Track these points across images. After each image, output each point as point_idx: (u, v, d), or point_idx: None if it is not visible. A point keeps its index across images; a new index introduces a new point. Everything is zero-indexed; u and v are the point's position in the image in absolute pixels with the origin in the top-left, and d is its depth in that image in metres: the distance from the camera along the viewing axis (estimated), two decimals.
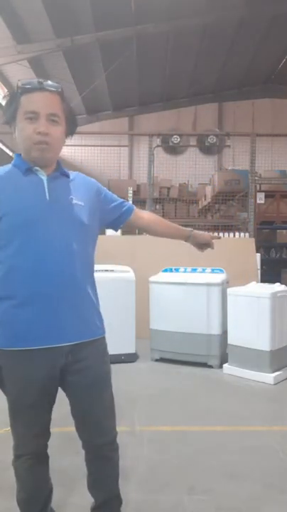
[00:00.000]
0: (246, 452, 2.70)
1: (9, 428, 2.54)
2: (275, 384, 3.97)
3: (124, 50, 11.41)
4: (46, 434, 1.63)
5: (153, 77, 13.71)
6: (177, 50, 12.14)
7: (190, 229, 1.97)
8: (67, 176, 1.65)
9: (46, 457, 1.66)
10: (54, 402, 1.62)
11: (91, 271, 1.66)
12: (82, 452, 1.69)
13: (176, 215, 10.99)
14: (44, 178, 1.56)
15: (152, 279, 4.82)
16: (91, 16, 9.88)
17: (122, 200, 1.83)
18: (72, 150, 13.04)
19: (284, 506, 2.17)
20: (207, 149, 9.42)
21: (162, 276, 4.83)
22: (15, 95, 1.53)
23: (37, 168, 1.56)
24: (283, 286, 4.36)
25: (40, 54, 10.89)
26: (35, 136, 1.50)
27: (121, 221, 1.80)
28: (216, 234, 6.27)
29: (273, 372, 4.03)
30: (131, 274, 4.70)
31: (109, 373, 1.68)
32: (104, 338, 1.67)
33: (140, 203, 8.70)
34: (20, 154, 1.61)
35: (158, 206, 10.17)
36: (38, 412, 1.58)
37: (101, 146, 9.75)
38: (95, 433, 1.63)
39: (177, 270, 4.91)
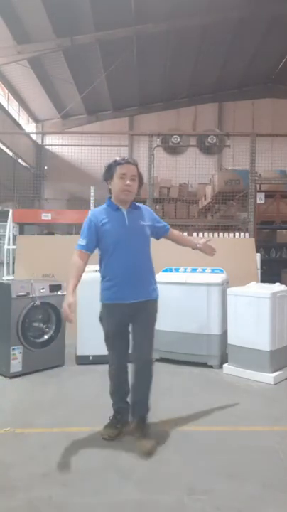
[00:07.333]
0: (246, 452, 2.70)
1: (9, 428, 2.64)
2: (275, 384, 3.97)
3: (124, 50, 11.42)
4: (124, 355, 2.86)
5: (153, 77, 13.71)
6: (177, 50, 12.15)
7: (195, 243, 3.28)
8: (137, 208, 2.90)
9: (125, 368, 2.86)
10: (128, 336, 2.86)
11: (152, 262, 2.92)
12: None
13: (176, 215, 10.93)
14: (124, 211, 2.83)
15: None
16: (91, 16, 9.89)
17: (165, 223, 3.08)
18: (72, 150, 12.98)
19: (284, 506, 2.17)
20: (207, 149, 9.39)
21: (162, 276, 4.81)
22: (113, 165, 2.77)
23: (121, 206, 2.83)
24: (283, 286, 4.36)
25: (40, 54, 10.90)
26: (125, 187, 2.76)
27: (160, 235, 3.08)
28: (211, 236, 6.29)
29: (273, 372, 4.03)
30: None
31: (155, 320, 2.89)
32: (156, 301, 2.90)
33: (140, 203, 8.65)
34: (110, 197, 2.85)
35: (158, 206, 10.08)
36: (117, 339, 2.86)
37: (101, 146, 9.73)
38: (144, 350, 2.82)
39: (177, 270, 4.90)
